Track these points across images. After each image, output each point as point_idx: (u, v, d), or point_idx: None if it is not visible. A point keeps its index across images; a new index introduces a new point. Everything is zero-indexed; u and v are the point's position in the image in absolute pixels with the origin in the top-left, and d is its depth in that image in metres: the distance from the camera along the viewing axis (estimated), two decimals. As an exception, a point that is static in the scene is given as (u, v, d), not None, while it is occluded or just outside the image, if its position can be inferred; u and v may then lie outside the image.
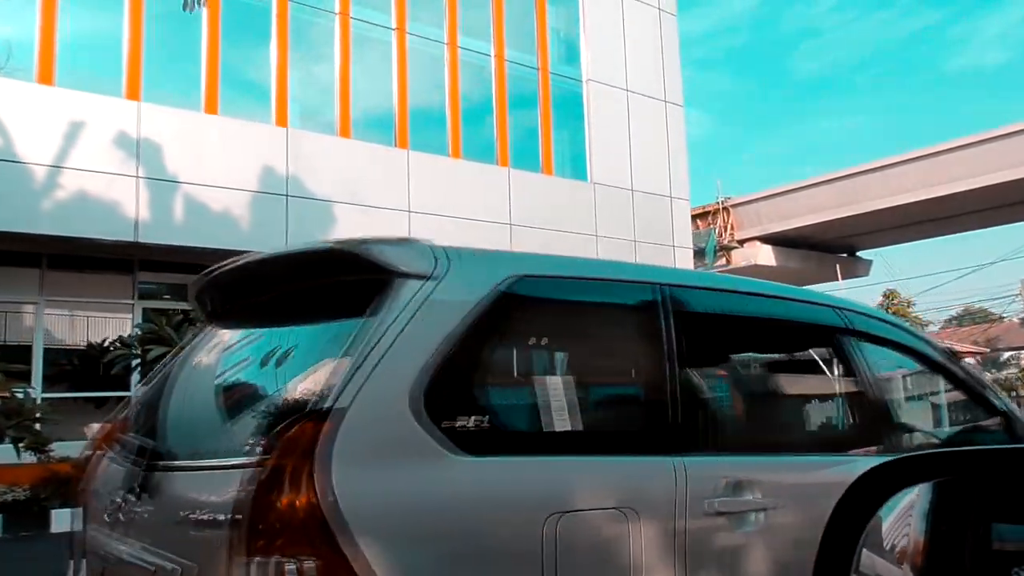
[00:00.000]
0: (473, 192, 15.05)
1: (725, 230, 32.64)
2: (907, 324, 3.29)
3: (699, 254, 33.58)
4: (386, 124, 14.60)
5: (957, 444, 3.32)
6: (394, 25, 14.75)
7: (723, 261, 32.89)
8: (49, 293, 12.34)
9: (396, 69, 14.69)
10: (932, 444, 3.22)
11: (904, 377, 3.40)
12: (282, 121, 13.27)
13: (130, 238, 11.64)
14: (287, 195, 13.03)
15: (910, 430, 3.15)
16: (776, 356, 3.35)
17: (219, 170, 12.46)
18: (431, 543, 1.84)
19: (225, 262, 2.42)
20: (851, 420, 3.07)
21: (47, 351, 12.13)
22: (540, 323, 2.40)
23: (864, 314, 3.11)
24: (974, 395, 3.23)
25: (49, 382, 11.98)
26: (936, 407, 3.53)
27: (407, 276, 2.07)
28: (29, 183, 11.08)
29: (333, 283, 2.21)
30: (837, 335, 2.92)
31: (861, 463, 2.69)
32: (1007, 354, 48.84)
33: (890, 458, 2.69)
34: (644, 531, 2.08)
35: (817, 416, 3.13)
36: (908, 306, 34.94)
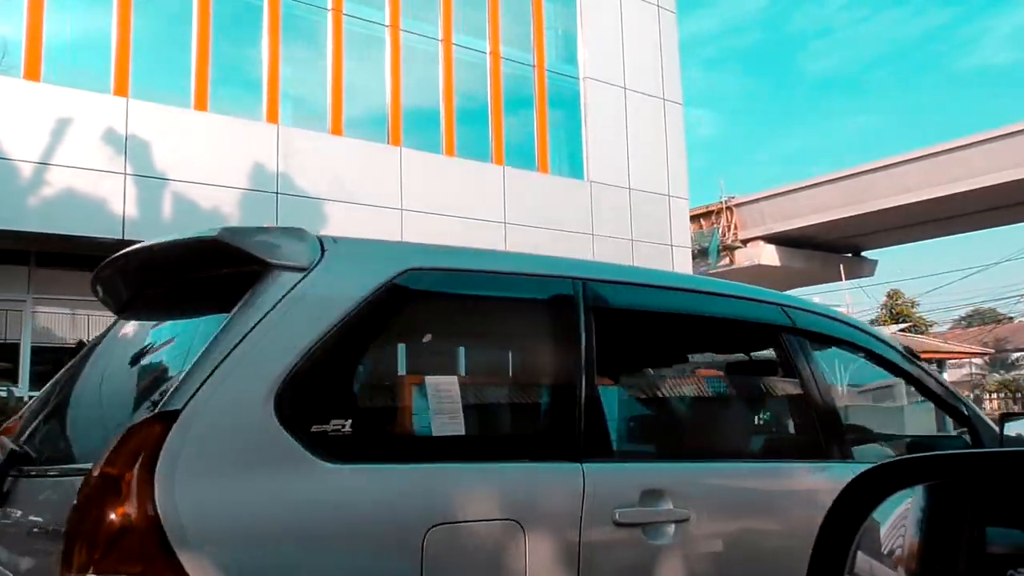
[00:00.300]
0: (467, 190, 14.92)
1: (728, 230, 32.43)
2: (862, 323, 3.13)
3: (702, 254, 33.41)
4: (379, 121, 14.49)
5: (914, 450, 3.17)
6: (388, 22, 14.63)
7: (726, 261, 32.68)
8: (37, 291, 12.28)
9: (389, 66, 14.57)
10: (885, 450, 3.08)
11: (858, 380, 3.25)
12: (273, 118, 13.17)
13: (118, 236, 11.55)
14: (277, 193, 12.94)
15: (861, 436, 3.00)
16: (709, 357, 3.20)
17: (208, 167, 12.37)
18: (292, 561, 1.67)
19: (118, 253, 2.30)
20: (791, 425, 2.92)
21: (34, 349, 12.06)
22: (434, 320, 2.25)
23: (813, 312, 2.95)
24: (936, 398, 3.08)
25: (36, 380, 11.91)
26: (892, 411, 3.38)
27: (280, 268, 1.91)
28: (16, 180, 11.01)
29: (213, 275, 2.08)
30: (780, 335, 2.75)
31: (800, 471, 2.57)
32: (1016, 355, 48.41)
33: (835, 465, 2.57)
34: (538, 543, 1.93)
35: (753, 421, 2.97)
36: (912, 306, 34.61)
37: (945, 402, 3.06)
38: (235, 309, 1.85)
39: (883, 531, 1.36)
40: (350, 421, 1.84)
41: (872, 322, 30.05)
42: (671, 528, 2.16)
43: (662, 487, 2.19)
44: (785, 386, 2.79)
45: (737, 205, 33.02)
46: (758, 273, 32.65)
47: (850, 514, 1.34)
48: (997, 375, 38.30)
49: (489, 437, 2.18)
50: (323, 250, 2.02)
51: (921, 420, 3.26)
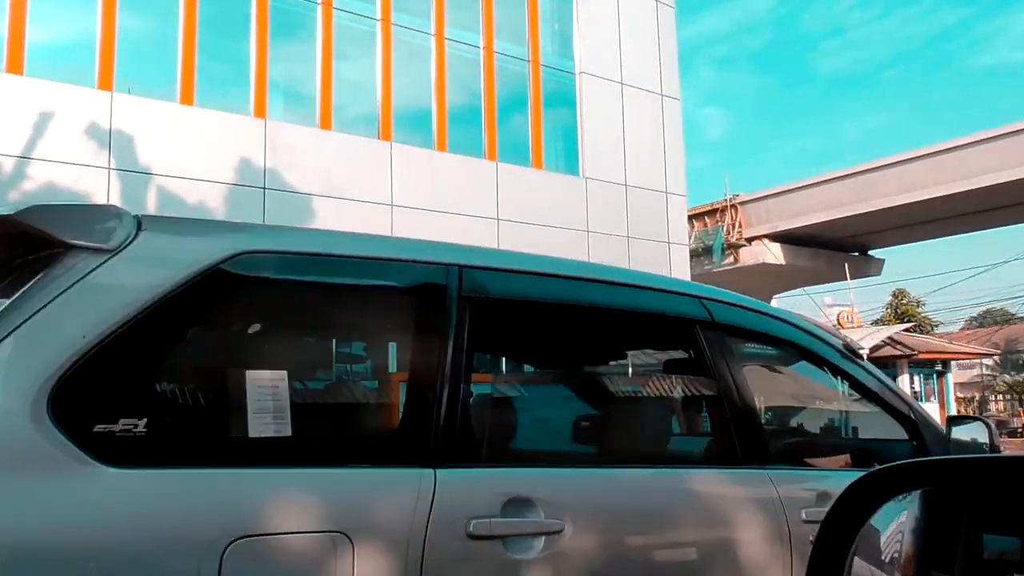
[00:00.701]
0: (459, 186, 14.76)
1: (733, 228, 32.16)
2: (798, 318, 2.92)
3: (706, 252, 33.18)
4: (369, 116, 14.35)
5: (849, 454, 2.99)
6: (379, 15, 14.48)
7: (731, 259, 32.41)
8: (22, 286, 12.19)
9: (380, 60, 14.42)
10: (814, 454, 2.89)
11: (790, 379, 3.06)
12: (260, 112, 13.05)
13: (101, 230, 11.45)
14: (264, 188, 12.81)
15: (789, 440, 2.81)
16: (606, 353, 3.00)
17: (194, 162, 12.26)
18: None
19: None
20: (701, 429, 2.73)
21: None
22: (267, 310, 2.04)
23: (737, 306, 2.74)
24: (878, 400, 2.89)
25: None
26: (826, 413, 3.18)
27: (80, 249, 1.72)
28: (-2, 174, 10.93)
29: (15, 259, 1.90)
30: (695, 330, 2.55)
31: (704, 478, 2.39)
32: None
33: (750, 472, 2.39)
34: (369, 558, 1.74)
35: (654, 424, 2.75)
36: (917, 306, 34.20)
37: (889, 404, 2.87)
38: (15, 296, 1.68)
39: (880, 537, 1.34)
40: (144, 421, 1.66)
41: (876, 322, 29.71)
42: (539, 541, 1.97)
43: (532, 495, 2.00)
44: (696, 386, 2.60)
45: (742, 203, 32.75)
46: (763, 272, 32.38)
47: (847, 519, 1.32)
48: (1008, 376, 37.82)
49: (324, 439, 1.98)
50: (140, 230, 1.82)
51: (861, 422, 3.06)
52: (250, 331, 2.04)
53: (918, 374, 22.81)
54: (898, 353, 21.83)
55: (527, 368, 2.76)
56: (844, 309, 33.88)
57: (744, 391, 2.52)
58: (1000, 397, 30.64)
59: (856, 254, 34.37)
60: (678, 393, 2.73)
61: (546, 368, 2.83)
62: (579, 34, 17.01)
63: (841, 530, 1.32)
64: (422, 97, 15.02)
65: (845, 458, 2.90)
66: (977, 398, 30.01)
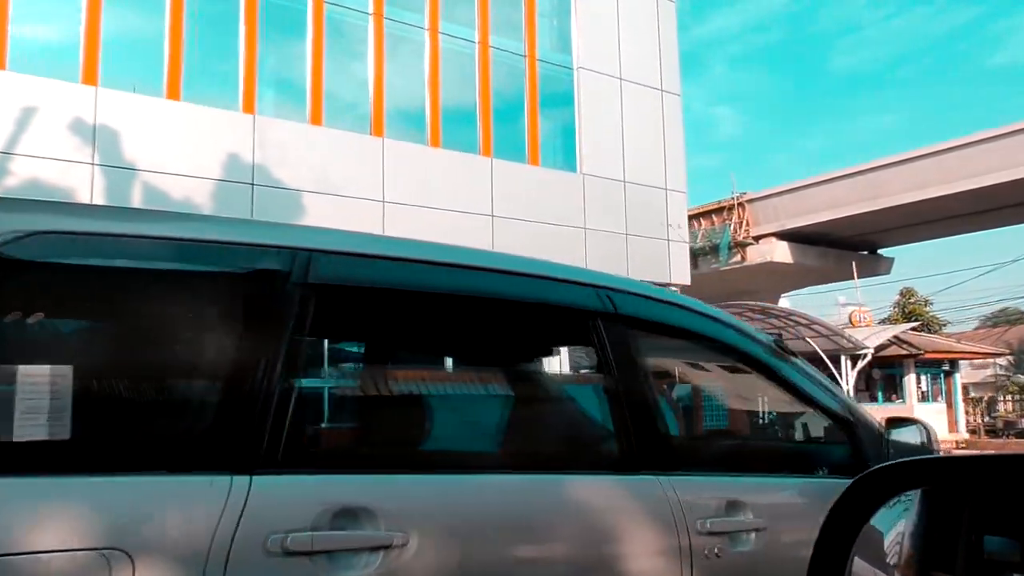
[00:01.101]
0: (452, 182, 14.57)
1: (740, 226, 31.79)
2: (719, 311, 2.68)
3: (713, 250, 32.82)
4: (361, 112, 14.17)
5: (774, 458, 2.75)
6: (371, 10, 14.29)
7: (738, 258, 32.05)
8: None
9: (373, 55, 14.24)
10: (732, 459, 2.66)
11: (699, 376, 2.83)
12: (249, 108, 12.89)
13: (85, 227, 11.32)
14: (253, 184, 12.65)
15: (697, 443, 2.57)
16: (474, 346, 2.72)
17: (181, 158, 12.11)
18: None
19: None
20: (590, 431, 2.48)
21: None
22: (51, 296, 1.80)
23: (646, 297, 2.50)
24: (808, 399, 2.66)
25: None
26: (749, 414, 2.94)
27: None
28: (-19, 169, 10.82)
29: None
30: (592, 322, 2.31)
31: (587, 485, 2.15)
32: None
33: (647, 478, 2.17)
34: None
35: (532, 426, 2.47)
36: (925, 305, 33.74)
37: (822, 405, 2.65)
38: None
39: (881, 537, 1.35)
40: None
41: (884, 321, 29.29)
42: (376, 557, 1.75)
43: (370, 505, 1.80)
44: (591, 384, 2.37)
45: (749, 201, 32.39)
46: (770, 270, 32.01)
47: (847, 519, 1.33)
48: (1021, 376, 37.27)
49: (113, 443, 1.73)
50: None
51: (789, 423, 2.82)
52: (32, 320, 1.81)
53: (925, 374, 22.45)
54: (904, 352, 21.48)
55: (387, 364, 2.52)
56: (857, 309, 33.50)
57: (646, 391, 2.29)
58: (1010, 398, 30.13)
59: (865, 253, 33.94)
60: (566, 392, 2.50)
61: (407, 363, 2.58)
62: (577, 29, 16.78)
63: (841, 530, 1.31)
64: (415, 92, 14.83)
65: (769, 462, 2.66)
66: (985, 399, 29.53)
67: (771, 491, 2.45)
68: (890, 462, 1.37)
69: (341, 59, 14.19)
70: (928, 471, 1.38)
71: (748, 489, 2.34)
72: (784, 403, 2.72)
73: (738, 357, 2.64)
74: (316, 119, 13.56)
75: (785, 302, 35.04)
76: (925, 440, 2.51)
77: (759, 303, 19.91)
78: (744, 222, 31.97)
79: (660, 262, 17.13)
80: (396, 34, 14.58)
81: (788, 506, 2.44)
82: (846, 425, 2.63)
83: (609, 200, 16.58)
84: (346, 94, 14.34)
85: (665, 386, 2.52)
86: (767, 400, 2.75)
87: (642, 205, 17.02)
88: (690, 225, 34.37)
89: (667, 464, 2.24)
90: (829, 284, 36.31)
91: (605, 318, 2.32)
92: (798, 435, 2.76)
